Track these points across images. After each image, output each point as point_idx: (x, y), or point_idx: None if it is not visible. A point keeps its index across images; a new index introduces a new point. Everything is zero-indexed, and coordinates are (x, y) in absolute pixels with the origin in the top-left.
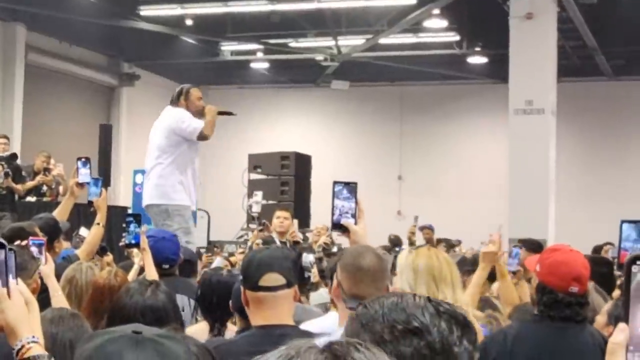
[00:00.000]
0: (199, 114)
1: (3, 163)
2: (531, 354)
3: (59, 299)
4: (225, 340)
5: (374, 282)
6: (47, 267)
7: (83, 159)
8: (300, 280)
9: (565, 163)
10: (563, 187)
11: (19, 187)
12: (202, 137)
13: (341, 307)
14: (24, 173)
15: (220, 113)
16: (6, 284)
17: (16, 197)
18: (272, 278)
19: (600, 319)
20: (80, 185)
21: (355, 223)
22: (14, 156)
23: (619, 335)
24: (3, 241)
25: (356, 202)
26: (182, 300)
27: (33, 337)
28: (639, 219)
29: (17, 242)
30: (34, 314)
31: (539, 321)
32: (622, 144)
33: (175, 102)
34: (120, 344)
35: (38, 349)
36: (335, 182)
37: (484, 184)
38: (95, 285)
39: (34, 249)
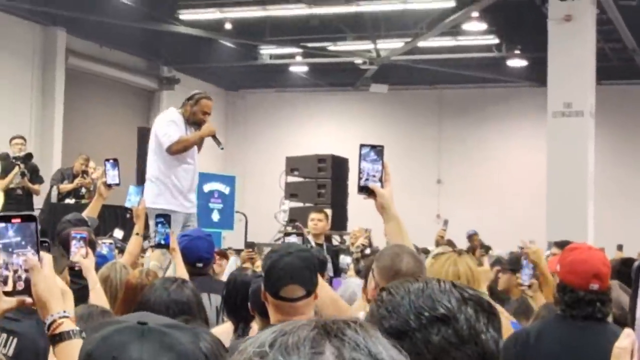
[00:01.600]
0: (196, 125)
1: (19, 163)
2: (553, 351)
3: (97, 292)
4: (243, 339)
5: None
6: (87, 261)
7: (112, 160)
8: (336, 275)
9: (603, 165)
10: (602, 190)
11: (35, 187)
12: (169, 150)
13: None
14: (41, 173)
15: (214, 138)
16: (38, 257)
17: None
18: (293, 289)
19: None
20: (109, 186)
21: (382, 187)
22: (29, 156)
23: (624, 340)
24: (33, 214)
25: (383, 165)
26: (216, 300)
27: (64, 311)
28: None
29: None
30: (68, 304)
31: (561, 319)
32: None
33: (185, 103)
34: (125, 335)
35: (70, 324)
36: (362, 145)
37: (522, 187)
38: (127, 284)
39: (75, 242)
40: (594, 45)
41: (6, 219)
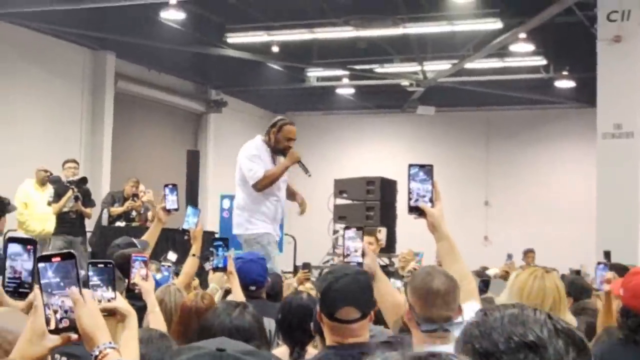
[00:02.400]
0: (281, 152)
1: (73, 187)
2: None
3: (156, 315)
4: None
5: (446, 304)
6: (147, 284)
7: (170, 186)
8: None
9: None
10: None
11: (88, 211)
12: (255, 188)
13: (415, 330)
14: (108, 199)
15: (300, 164)
16: (80, 291)
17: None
18: (348, 312)
19: None
20: (168, 211)
21: (432, 206)
22: (84, 180)
23: None
24: (73, 251)
25: (432, 185)
26: (270, 324)
27: (110, 342)
28: None
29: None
30: (133, 326)
31: (624, 344)
32: None
33: (268, 131)
34: None
35: (116, 355)
36: (410, 165)
37: (571, 210)
38: (183, 308)
39: (137, 264)
40: None
41: (46, 259)
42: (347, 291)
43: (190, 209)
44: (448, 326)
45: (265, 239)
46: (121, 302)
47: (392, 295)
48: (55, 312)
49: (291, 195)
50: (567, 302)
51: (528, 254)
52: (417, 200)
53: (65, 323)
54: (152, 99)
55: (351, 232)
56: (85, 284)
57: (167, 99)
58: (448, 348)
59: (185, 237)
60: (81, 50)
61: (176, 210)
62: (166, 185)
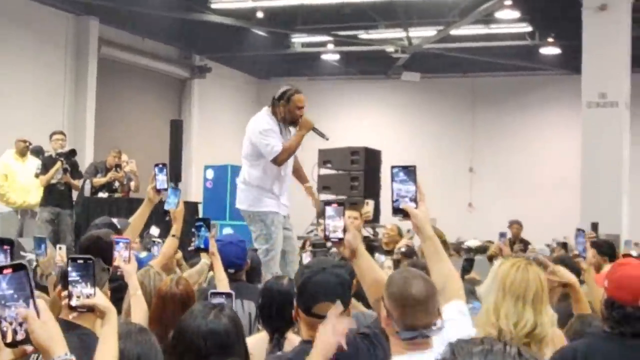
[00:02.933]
0: (293, 123)
1: (62, 159)
2: None
3: (137, 299)
4: (282, 355)
5: (426, 311)
6: (129, 266)
7: (160, 165)
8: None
9: (637, 154)
10: (636, 180)
11: (75, 182)
12: (275, 162)
13: (393, 338)
14: (91, 170)
15: (315, 130)
16: (34, 305)
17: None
18: (326, 306)
19: None
20: (158, 191)
21: (416, 207)
22: (73, 152)
23: None
24: (24, 262)
25: (416, 186)
26: (250, 306)
27: (65, 354)
28: None
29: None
30: (112, 322)
31: (609, 337)
32: None
33: (275, 103)
34: None
35: None
36: (393, 167)
37: (556, 177)
38: (157, 294)
39: (119, 247)
40: (629, 35)
41: None
42: (324, 286)
43: (170, 190)
44: (428, 332)
45: (269, 217)
46: (100, 299)
47: (373, 271)
48: (11, 324)
49: (300, 177)
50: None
51: (513, 225)
52: (400, 201)
53: (21, 335)
54: (136, 65)
55: (331, 210)
56: (64, 278)
57: (150, 64)
58: (428, 355)
59: (167, 219)
60: (64, 16)
61: (165, 190)
62: (156, 165)
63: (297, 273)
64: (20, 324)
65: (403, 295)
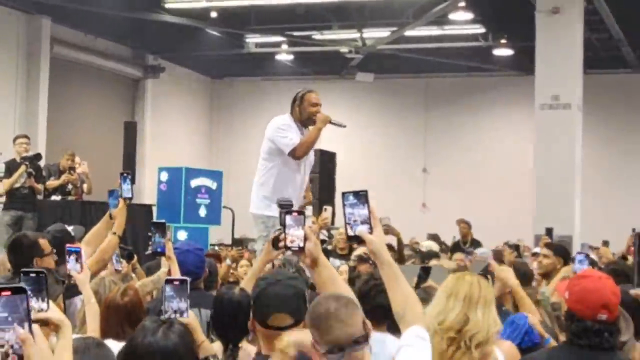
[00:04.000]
0: (310, 120)
1: (27, 163)
2: None
3: (92, 307)
4: None
5: (341, 322)
6: (82, 275)
7: (124, 174)
8: None
9: (590, 156)
10: (589, 182)
11: (39, 186)
12: (294, 155)
13: None
14: (44, 173)
15: (332, 123)
16: (29, 329)
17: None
18: (281, 318)
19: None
20: (124, 200)
21: (371, 232)
22: (38, 156)
23: None
24: (24, 286)
25: (369, 210)
26: (207, 315)
27: None
28: None
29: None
30: (67, 336)
31: (568, 348)
32: None
33: (291, 110)
34: None
35: None
36: (344, 193)
37: (509, 178)
38: (104, 303)
39: (70, 257)
40: (582, 38)
41: None
42: (279, 298)
43: (108, 194)
44: (353, 348)
45: (271, 221)
46: (54, 313)
47: (334, 282)
48: (2, 346)
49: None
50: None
51: (461, 224)
52: (355, 226)
53: (13, 359)
54: (89, 65)
55: (291, 219)
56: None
57: (104, 64)
58: None
59: (112, 220)
60: (15, 15)
61: (131, 199)
62: (121, 174)
63: (253, 285)
64: (12, 346)
65: (315, 315)
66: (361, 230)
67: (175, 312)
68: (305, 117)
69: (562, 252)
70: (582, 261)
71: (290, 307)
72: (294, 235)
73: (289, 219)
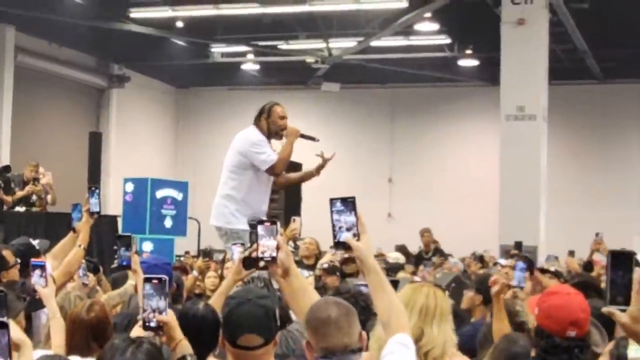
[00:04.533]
0: (279, 134)
1: None
2: None
3: (57, 322)
4: None
5: (340, 330)
6: (47, 290)
7: (92, 188)
8: None
9: (555, 166)
10: (554, 192)
11: (7, 198)
12: (273, 172)
13: None
14: (12, 184)
15: (302, 136)
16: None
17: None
18: (250, 339)
19: None
20: (91, 214)
21: (358, 239)
22: (7, 168)
23: None
24: (5, 320)
25: (356, 217)
26: None
27: None
28: None
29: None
30: (27, 355)
31: None
32: (612, 147)
33: (257, 120)
34: None
35: None
36: (331, 199)
37: (475, 188)
38: (69, 318)
39: (36, 272)
40: (547, 49)
41: None
42: (249, 318)
43: (72, 208)
44: (346, 357)
45: (247, 236)
46: (14, 332)
47: (305, 293)
48: None
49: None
50: (479, 304)
51: (424, 233)
52: (341, 233)
53: None
54: (54, 74)
55: (263, 229)
56: None
57: (69, 73)
58: None
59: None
60: None
61: (98, 213)
62: (89, 188)
63: (223, 303)
64: None
65: (315, 318)
66: (348, 237)
67: (154, 310)
68: (273, 130)
69: (528, 264)
70: (522, 269)
71: (260, 328)
72: (266, 245)
73: (260, 229)
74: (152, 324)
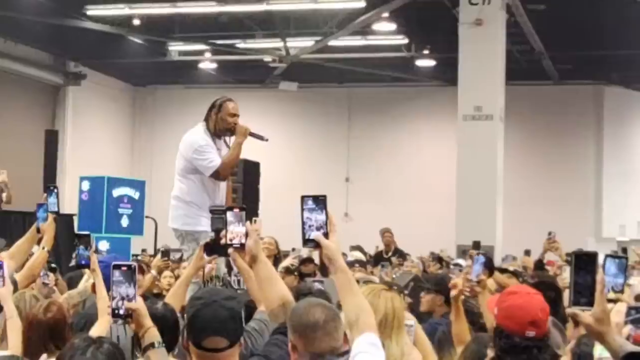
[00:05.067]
0: (228, 131)
1: None
2: None
3: (13, 323)
4: None
5: (328, 334)
6: (4, 290)
7: (51, 187)
8: None
9: (511, 167)
10: (510, 192)
11: None
12: (217, 177)
13: None
14: None
15: (252, 135)
16: None
17: None
18: (215, 341)
19: None
20: (51, 213)
21: (327, 237)
22: None
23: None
24: None
25: (326, 215)
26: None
27: None
28: (621, 255)
29: None
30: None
31: None
32: (568, 147)
33: (207, 115)
34: None
35: None
36: (303, 197)
37: (432, 187)
38: (26, 319)
39: None
40: (504, 50)
41: None
42: (214, 320)
43: (37, 207)
44: (335, 358)
45: (203, 237)
46: None
47: (271, 281)
48: None
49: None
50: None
51: (385, 233)
52: (311, 232)
53: None
54: (9, 71)
55: (232, 215)
56: None
57: (24, 71)
58: None
59: (40, 235)
60: None
61: (57, 213)
62: (48, 187)
63: (188, 304)
64: None
65: (302, 322)
66: (317, 234)
67: (123, 298)
68: (222, 126)
69: (487, 264)
70: (482, 263)
71: (225, 331)
72: (235, 232)
73: (230, 215)
74: (121, 312)
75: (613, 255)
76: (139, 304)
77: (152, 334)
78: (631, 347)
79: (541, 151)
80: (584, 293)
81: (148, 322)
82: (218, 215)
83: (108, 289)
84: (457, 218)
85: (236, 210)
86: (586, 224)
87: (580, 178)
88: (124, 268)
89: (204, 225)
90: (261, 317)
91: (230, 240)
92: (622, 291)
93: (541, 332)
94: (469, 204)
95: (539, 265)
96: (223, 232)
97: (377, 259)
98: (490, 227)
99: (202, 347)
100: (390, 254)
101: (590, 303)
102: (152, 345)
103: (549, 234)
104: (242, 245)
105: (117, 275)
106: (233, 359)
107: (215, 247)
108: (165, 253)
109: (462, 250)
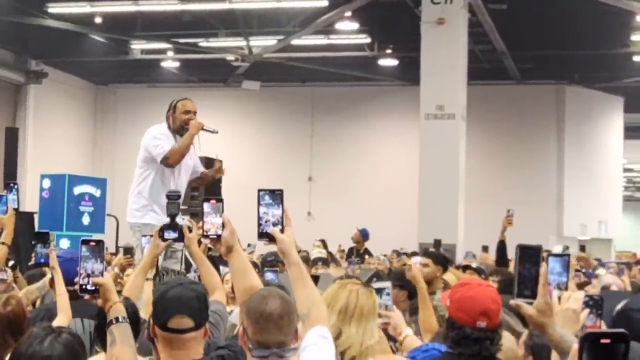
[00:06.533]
0: (183, 129)
1: None
2: None
3: None
4: None
5: (279, 329)
6: None
7: (11, 184)
8: None
9: (473, 165)
10: (472, 191)
11: None
12: (166, 163)
13: (248, 354)
14: None
15: (205, 130)
16: None
17: None
18: (181, 321)
19: (518, 351)
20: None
21: (282, 231)
22: None
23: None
24: None
25: (282, 210)
26: (90, 325)
27: None
28: (564, 253)
29: None
30: None
31: (449, 357)
32: (530, 147)
33: (166, 118)
34: None
35: None
36: (259, 190)
37: (394, 187)
38: None
39: None
40: (466, 49)
41: None
42: (180, 299)
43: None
44: (281, 352)
45: (148, 229)
46: None
47: (246, 273)
48: None
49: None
50: (404, 300)
51: (355, 232)
52: (266, 226)
53: None
54: None
55: (209, 207)
56: None
57: None
58: None
59: None
60: None
61: (17, 209)
62: (7, 184)
63: (153, 290)
64: None
65: (257, 311)
66: (273, 229)
67: (89, 274)
68: (177, 124)
69: (441, 260)
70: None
71: (191, 310)
72: (212, 223)
73: (207, 207)
74: (89, 287)
75: (556, 254)
76: (106, 279)
77: (118, 308)
78: (572, 339)
79: (503, 150)
80: (528, 285)
81: (114, 297)
82: (173, 201)
83: (67, 284)
84: (420, 217)
85: (213, 201)
86: (548, 222)
87: (542, 177)
88: (92, 243)
89: (151, 219)
90: (216, 307)
91: (207, 231)
92: (566, 288)
93: (492, 323)
94: (431, 203)
95: (501, 246)
96: (200, 223)
97: (351, 254)
98: (452, 225)
99: (168, 329)
100: (362, 250)
101: (534, 295)
102: (116, 319)
103: (508, 211)
104: (219, 237)
105: (84, 250)
106: (197, 344)
107: (170, 233)
108: (128, 250)
109: (424, 248)
